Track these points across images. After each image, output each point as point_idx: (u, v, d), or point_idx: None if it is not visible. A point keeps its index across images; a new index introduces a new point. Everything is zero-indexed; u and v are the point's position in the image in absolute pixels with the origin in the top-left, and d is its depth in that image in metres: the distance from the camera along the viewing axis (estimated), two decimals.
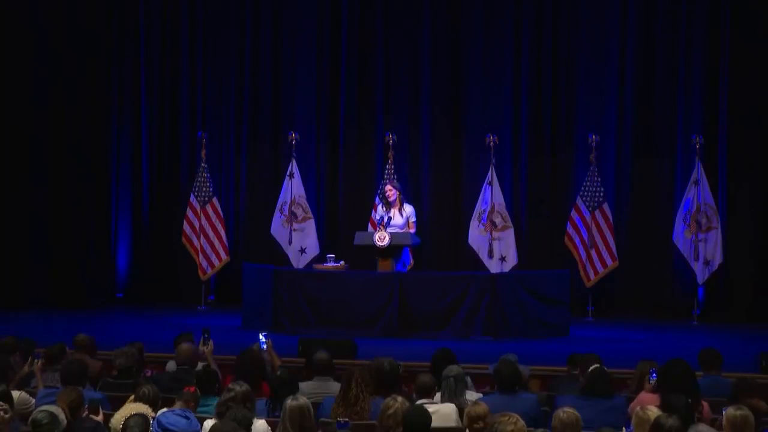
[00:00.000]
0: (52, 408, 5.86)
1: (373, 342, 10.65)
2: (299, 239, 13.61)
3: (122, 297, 14.57)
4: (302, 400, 6.01)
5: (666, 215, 13.49)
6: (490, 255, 13.14)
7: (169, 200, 14.53)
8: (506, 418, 5.43)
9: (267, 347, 8.37)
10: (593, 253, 13.11)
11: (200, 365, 7.95)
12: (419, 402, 6.55)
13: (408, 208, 12.19)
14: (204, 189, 13.79)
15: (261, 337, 8.45)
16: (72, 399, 6.26)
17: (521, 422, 5.44)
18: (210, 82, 14.66)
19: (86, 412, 6.30)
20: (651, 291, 13.70)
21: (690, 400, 6.36)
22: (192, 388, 6.76)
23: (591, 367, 7.18)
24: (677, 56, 13.72)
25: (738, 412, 5.76)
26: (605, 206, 13.18)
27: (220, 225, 13.77)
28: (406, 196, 12.60)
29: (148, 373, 8.11)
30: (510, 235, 13.20)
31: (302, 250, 13.57)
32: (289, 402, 5.95)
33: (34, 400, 6.95)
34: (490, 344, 10.94)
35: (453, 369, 7.06)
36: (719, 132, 13.56)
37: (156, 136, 14.69)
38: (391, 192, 12.13)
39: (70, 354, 8.12)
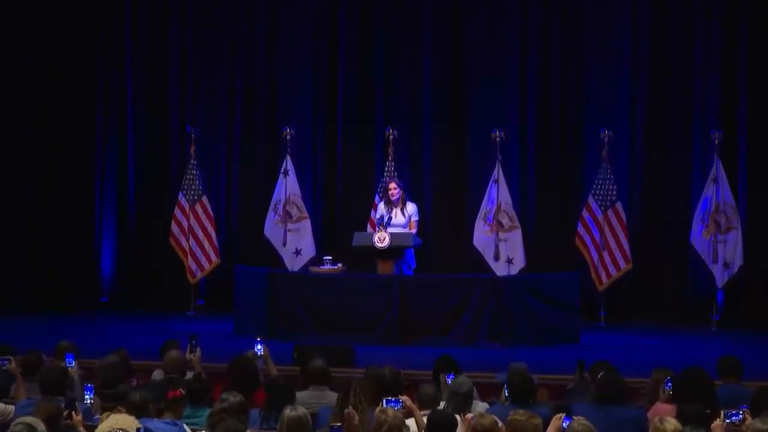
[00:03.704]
0: (31, 419, 5.69)
1: (373, 348, 10.47)
2: (294, 240, 13.45)
3: (107, 301, 14.41)
4: (301, 410, 5.89)
5: (683, 215, 13.28)
6: (497, 257, 13.00)
7: (157, 199, 14.35)
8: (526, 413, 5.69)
9: (263, 355, 8.30)
10: (606, 254, 12.94)
11: (189, 374, 7.71)
12: (422, 412, 6.39)
13: (411, 207, 12.02)
14: (193, 187, 13.63)
15: (258, 347, 8.37)
16: (50, 411, 6.07)
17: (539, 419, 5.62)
18: (201, 74, 14.46)
19: (65, 419, 6.16)
20: (667, 295, 13.49)
21: (708, 411, 6.21)
22: (177, 392, 6.52)
23: (599, 374, 7.11)
24: (693, 46, 13.49)
25: (765, 427, 5.62)
26: (618, 205, 12.99)
27: (209, 225, 13.62)
28: (409, 195, 12.39)
29: (134, 383, 7.89)
30: (517, 236, 13.05)
31: (297, 252, 13.40)
32: (288, 412, 5.82)
33: (12, 409, 6.88)
34: (496, 351, 10.81)
35: (464, 385, 6.76)
36: (738, 126, 13.33)
37: (143, 131, 14.51)
38: (394, 190, 11.97)
39: (48, 362, 7.91)
